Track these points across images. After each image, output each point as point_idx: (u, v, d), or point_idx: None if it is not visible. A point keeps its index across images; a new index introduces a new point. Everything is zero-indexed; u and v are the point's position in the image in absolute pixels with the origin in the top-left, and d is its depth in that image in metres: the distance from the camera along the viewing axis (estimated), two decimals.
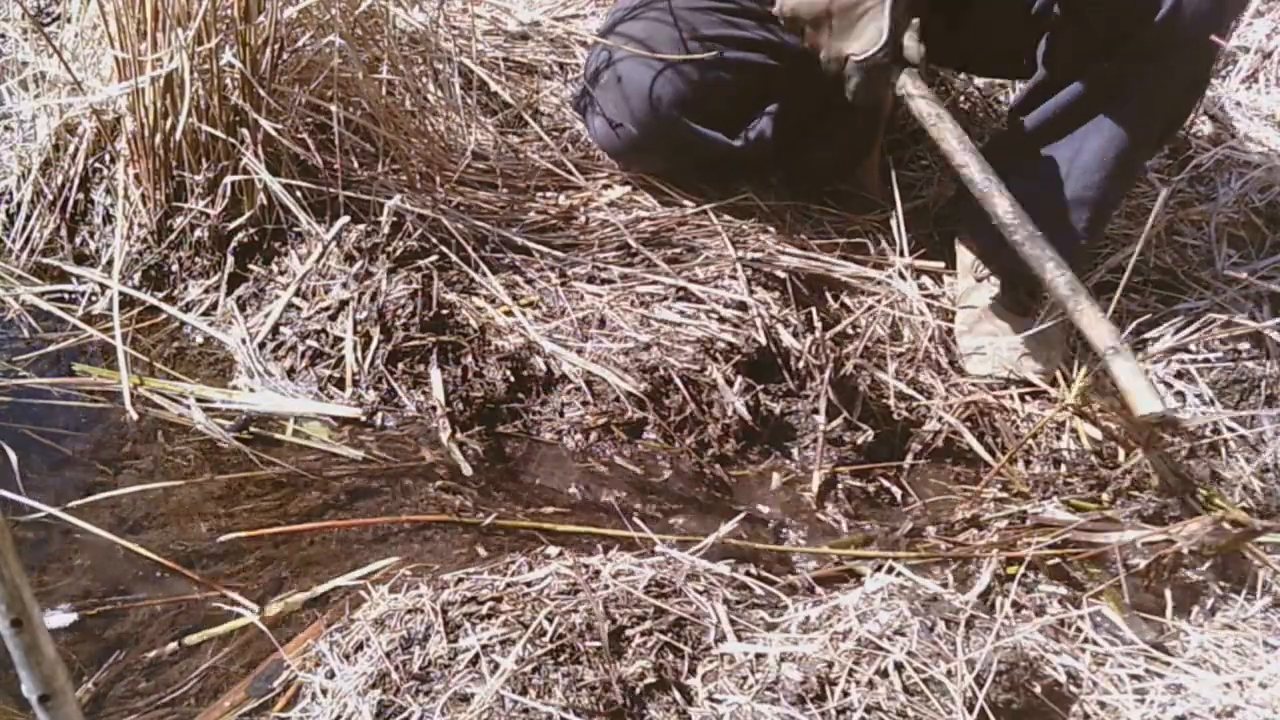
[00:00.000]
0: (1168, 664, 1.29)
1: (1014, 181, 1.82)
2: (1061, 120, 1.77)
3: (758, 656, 1.16)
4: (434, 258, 1.74)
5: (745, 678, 1.13)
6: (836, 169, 2.13)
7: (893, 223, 1.99)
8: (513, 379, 1.62)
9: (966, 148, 1.59)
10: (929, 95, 1.61)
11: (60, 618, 1.25)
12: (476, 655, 1.11)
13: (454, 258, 1.77)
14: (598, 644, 1.13)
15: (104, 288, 1.74)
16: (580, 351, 1.66)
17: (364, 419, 1.57)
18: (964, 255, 1.93)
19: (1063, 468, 1.70)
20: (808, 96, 1.95)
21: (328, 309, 1.66)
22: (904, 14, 1.61)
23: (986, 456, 1.72)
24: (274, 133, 1.72)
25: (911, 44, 1.63)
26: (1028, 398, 1.81)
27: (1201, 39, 1.66)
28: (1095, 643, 1.31)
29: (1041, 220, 1.79)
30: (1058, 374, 1.84)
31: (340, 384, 1.61)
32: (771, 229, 1.97)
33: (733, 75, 1.88)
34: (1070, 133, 1.77)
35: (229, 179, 1.73)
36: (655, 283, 1.80)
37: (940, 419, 1.74)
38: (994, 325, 1.85)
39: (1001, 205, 1.55)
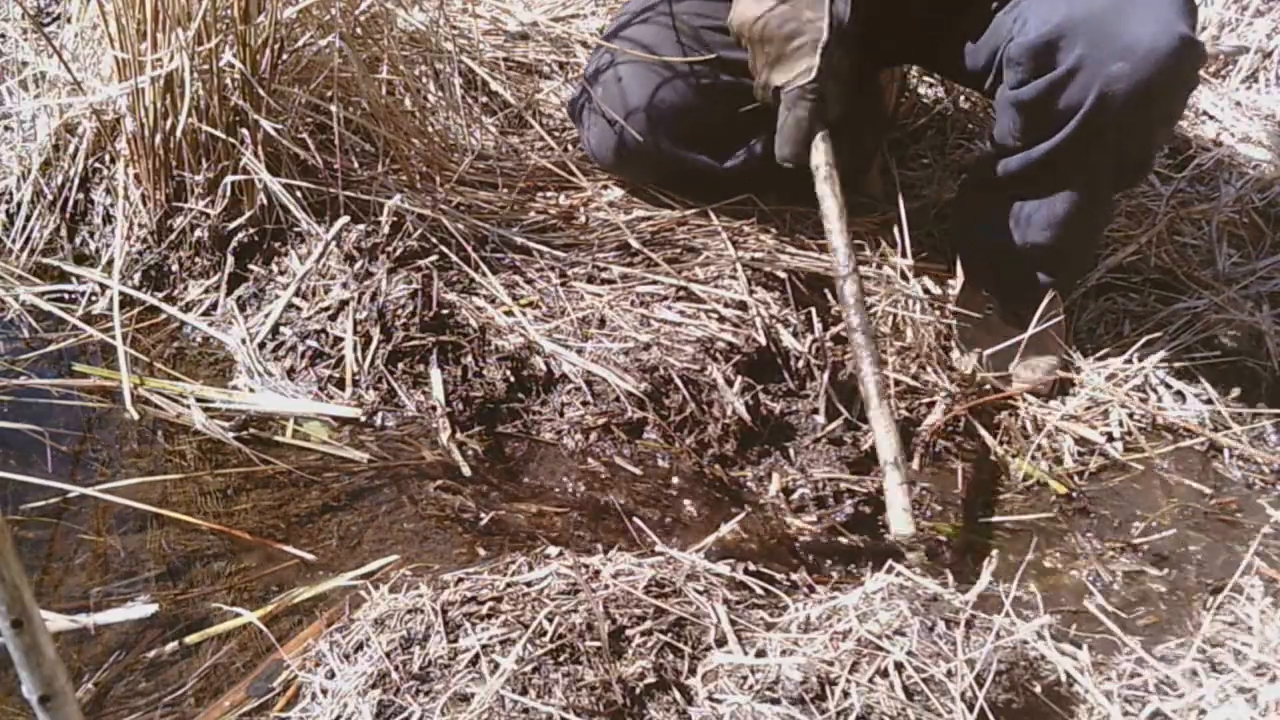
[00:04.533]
0: (1165, 660, 1.29)
1: (982, 231, 1.84)
2: (1034, 174, 1.74)
3: (758, 656, 1.16)
4: (434, 258, 1.74)
5: (745, 678, 1.13)
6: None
7: (895, 222, 1.99)
8: (513, 379, 1.62)
9: (841, 229, 1.60)
10: (832, 167, 1.62)
11: (140, 609, 1.24)
12: (476, 655, 1.11)
13: (454, 258, 1.77)
14: (598, 644, 1.13)
15: (104, 288, 1.74)
16: (580, 351, 1.66)
17: (364, 419, 1.57)
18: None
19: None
20: None
21: (328, 309, 1.66)
22: (835, 63, 1.62)
23: (993, 443, 1.72)
24: (274, 133, 1.72)
25: (834, 103, 1.64)
26: (1030, 399, 1.81)
27: (1166, 96, 1.65)
28: (1094, 642, 1.31)
29: (1012, 268, 1.81)
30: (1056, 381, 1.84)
31: (340, 384, 1.61)
32: (771, 229, 1.97)
33: (728, 99, 1.88)
34: (1042, 188, 1.74)
35: (229, 179, 1.73)
36: (655, 283, 1.80)
37: (944, 405, 1.74)
38: (991, 335, 1.85)
39: (850, 289, 1.56)
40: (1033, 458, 1.72)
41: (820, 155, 1.63)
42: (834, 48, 1.61)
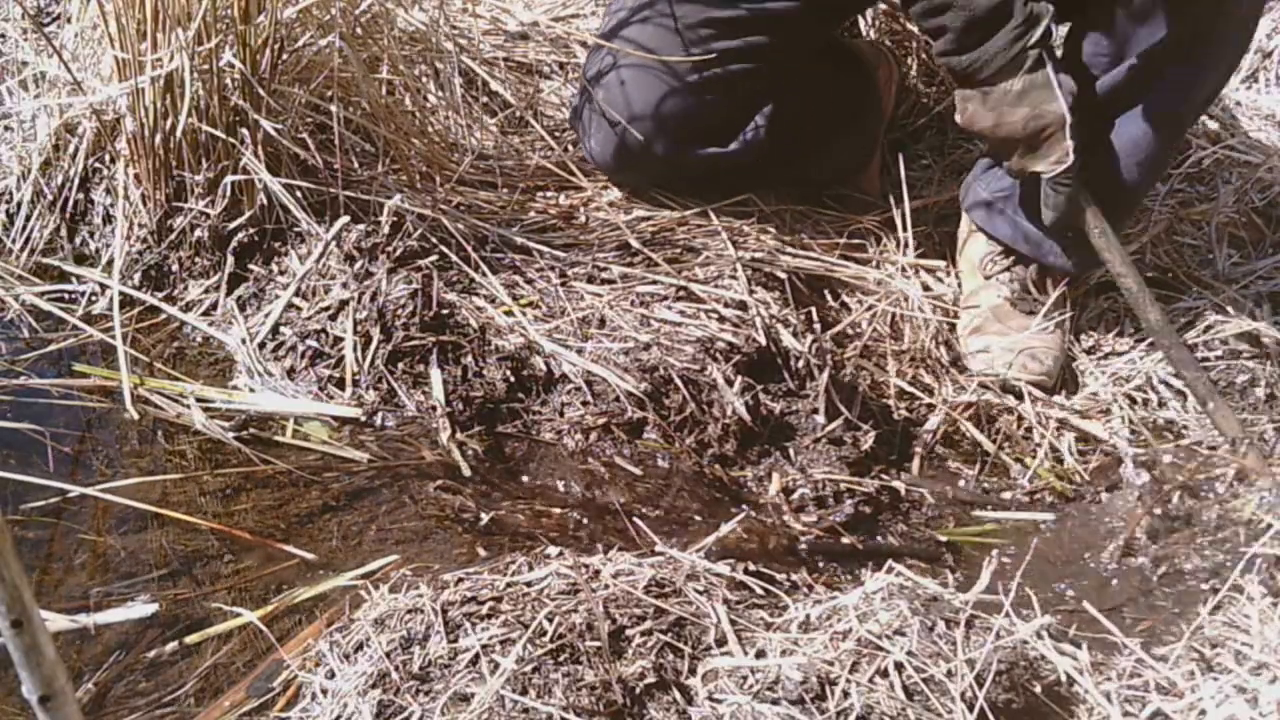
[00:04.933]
0: (1165, 660, 1.29)
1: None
2: (1140, 78, 1.73)
3: (758, 656, 1.16)
4: (434, 258, 1.74)
5: (745, 678, 1.13)
6: (837, 177, 2.13)
7: (896, 220, 1.99)
8: (513, 379, 1.62)
9: (1130, 272, 1.71)
10: (1104, 226, 1.72)
11: (140, 609, 1.24)
12: (476, 655, 1.11)
13: (454, 257, 1.77)
14: (598, 644, 1.13)
15: (104, 288, 1.74)
16: (580, 351, 1.66)
17: (364, 419, 1.57)
18: (973, 252, 1.93)
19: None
20: (797, 96, 1.94)
21: (328, 309, 1.66)
22: (1079, 126, 1.65)
23: (990, 447, 1.72)
24: (274, 133, 1.72)
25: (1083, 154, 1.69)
26: (1031, 398, 1.81)
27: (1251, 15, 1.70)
28: (1094, 642, 1.31)
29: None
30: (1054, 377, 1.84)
31: (340, 384, 1.61)
32: (771, 229, 1.97)
33: (730, 97, 1.88)
34: (1141, 93, 1.74)
35: (229, 179, 1.73)
36: (655, 283, 1.80)
37: (943, 414, 1.74)
38: (999, 326, 1.85)
39: (1154, 314, 1.70)
40: (1034, 457, 1.72)
41: (1091, 218, 1.71)
42: (1077, 121, 1.64)
